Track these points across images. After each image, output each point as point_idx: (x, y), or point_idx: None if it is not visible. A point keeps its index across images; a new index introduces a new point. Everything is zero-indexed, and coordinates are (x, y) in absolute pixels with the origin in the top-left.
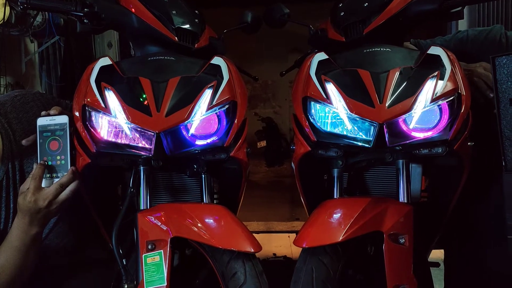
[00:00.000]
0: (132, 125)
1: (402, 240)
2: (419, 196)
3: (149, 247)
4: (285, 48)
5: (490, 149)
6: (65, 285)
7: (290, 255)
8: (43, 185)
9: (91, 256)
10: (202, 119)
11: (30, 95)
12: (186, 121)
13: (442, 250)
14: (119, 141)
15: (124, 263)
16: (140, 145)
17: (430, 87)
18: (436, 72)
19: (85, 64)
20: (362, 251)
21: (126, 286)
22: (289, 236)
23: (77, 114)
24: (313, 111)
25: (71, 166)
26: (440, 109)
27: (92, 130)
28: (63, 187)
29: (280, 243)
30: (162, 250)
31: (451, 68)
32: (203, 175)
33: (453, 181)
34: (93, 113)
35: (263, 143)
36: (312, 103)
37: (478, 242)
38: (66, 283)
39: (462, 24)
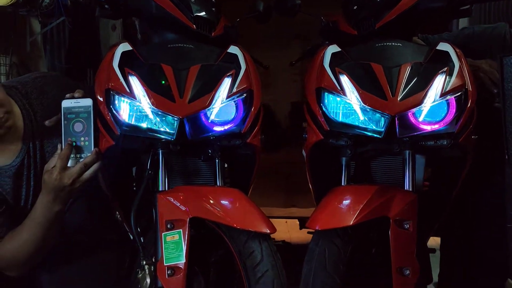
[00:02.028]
0: (156, 110)
1: (406, 226)
2: (422, 186)
3: (168, 226)
4: (287, 35)
5: (492, 142)
6: (81, 262)
7: (289, 240)
8: (68, 164)
9: (104, 235)
10: (221, 106)
11: (50, 77)
12: (207, 108)
13: (439, 238)
14: (142, 125)
15: (142, 241)
16: (162, 129)
17: (440, 82)
18: (445, 68)
19: (91, 47)
20: (368, 235)
21: (144, 263)
22: (286, 222)
23: (100, 97)
24: (326, 101)
25: (94, 147)
26: (448, 104)
27: (116, 113)
28: (87, 166)
29: (278, 229)
30: (181, 229)
31: (459, 64)
32: (216, 160)
33: (455, 172)
34: (117, 97)
35: None
36: (326, 93)
37: (474, 231)
38: (81, 260)
39: (463, 21)
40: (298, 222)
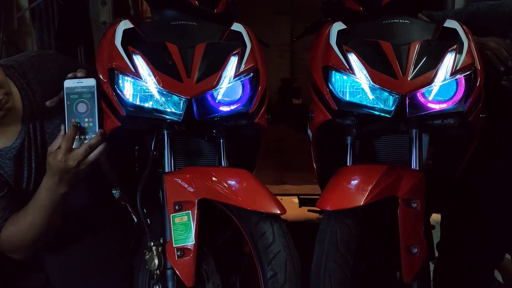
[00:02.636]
0: (163, 90)
1: (414, 205)
2: (425, 164)
3: (176, 207)
4: (271, 11)
5: (498, 120)
6: (84, 244)
7: (285, 217)
8: (73, 146)
9: (106, 215)
10: (228, 86)
11: (47, 56)
12: (214, 88)
13: (438, 215)
14: (147, 105)
15: (149, 222)
16: (168, 110)
17: (450, 61)
18: (455, 46)
19: (81, 23)
20: (374, 215)
21: (152, 244)
22: (281, 199)
23: (103, 77)
24: (333, 80)
25: (99, 128)
26: (457, 82)
27: (121, 94)
28: (92, 148)
29: None
30: (190, 211)
31: (468, 42)
32: (221, 140)
33: (461, 150)
34: (121, 77)
35: None
36: (333, 72)
37: (476, 207)
38: (84, 241)
39: (460, 1)
40: (293, 200)
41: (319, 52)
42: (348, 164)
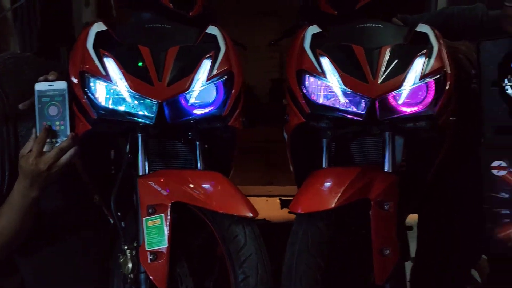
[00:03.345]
0: (134, 93)
1: (387, 207)
2: (399, 166)
3: (150, 211)
4: (259, 11)
5: (469, 123)
6: (58, 246)
7: (269, 218)
8: (44, 149)
9: (81, 218)
10: (201, 89)
11: (23, 59)
12: (186, 91)
13: (415, 215)
14: (119, 108)
15: (123, 225)
16: (140, 113)
17: (419, 65)
18: (425, 50)
19: (64, 24)
20: (348, 217)
21: (126, 247)
22: (267, 200)
23: (74, 80)
24: (307, 83)
25: (70, 131)
26: (427, 86)
27: (92, 97)
28: (63, 151)
29: (258, 207)
30: (163, 214)
31: (438, 46)
32: (197, 142)
33: (434, 152)
34: (92, 80)
35: None
36: (307, 76)
37: (450, 209)
38: (58, 244)
39: (442, 2)
40: (278, 201)
41: (294, 56)
42: (323, 167)
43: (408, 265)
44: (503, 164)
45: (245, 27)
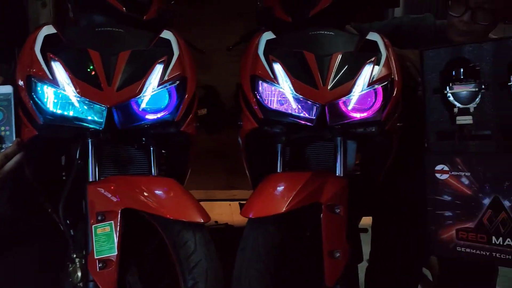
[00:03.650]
0: (82, 98)
1: (337, 210)
2: (353, 170)
3: (99, 218)
4: (228, 13)
5: (415, 129)
6: (6, 254)
7: (232, 222)
8: None
9: (33, 226)
10: (153, 94)
11: None
12: (137, 96)
13: (370, 218)
14: (67, 113)
15: (72, 233)
16: (89, 118)
17: (367, 72)
18: (373, 58)
19: (19, 25)
20: (301, 221)
21: (75, 255)
22: (230, 204)
23: (21, 84)
24: (260, 89)
25: (16, 137)
26: (375, 92)
27: (38, 101)
28: (8, 157)
29: (221, 211)
30: (112, 221)
31: (387, 54)
32: (151, 148)
33: (382, 157)
34: (39, 85)
35: (203, 111)
36: (260, 81)
37: (402, 211)
38: (8, 253)
39: (398, 11)
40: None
41: (248, 61)
42: (278, 171)
43: (364, 266)
44: (446, 168)
45: (211, 30)
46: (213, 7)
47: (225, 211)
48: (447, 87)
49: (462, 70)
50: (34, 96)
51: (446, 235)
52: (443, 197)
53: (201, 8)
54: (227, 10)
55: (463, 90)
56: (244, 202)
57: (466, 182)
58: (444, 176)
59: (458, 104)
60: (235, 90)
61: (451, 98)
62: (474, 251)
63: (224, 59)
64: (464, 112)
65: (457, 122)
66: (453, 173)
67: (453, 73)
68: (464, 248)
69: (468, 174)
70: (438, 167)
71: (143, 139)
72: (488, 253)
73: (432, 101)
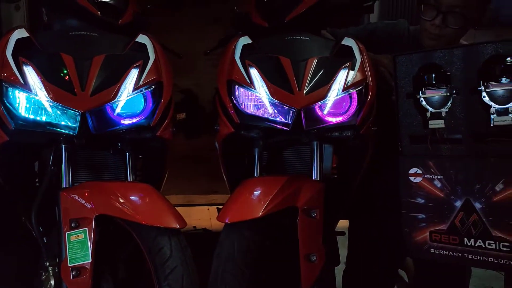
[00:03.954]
0: (55, 103)
1: (314, 214)
2: (330, 173)
3: (73, 225)
4: (204, 19)
5: (389, 133)
6: None
7: (210, 227)
8: None
9: (6, 233)
10: (128, 99)
11: None
12: (112, 101)
13: (347, 221)
14: (39, 118)
15: (45, 241)
16: (62, 123)
17: (343, 77)
18: (348, 63)
19: None
20: (279, 224)
21: (48, 263)
22: (208, 209)
23: None
24: (237, 94)
25: None
26: (351, 97)
27: (10, 106)
28: None
29: (199, 216)
30: (86, 228)
31: (361, 59)
32: (127, 153)
33: (358, 160)
34: (10, 89)
35: (182, 115)
36: (236, 86)
37: (377, 214)
38: None
39: (373, 17)
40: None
41: (225, 66)
42: (255, 175)
43: (341, 269)
44: (419, 171)
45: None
46: (190, 12)
47: (204, 216)
48: (420, 92)
49: (434, 75)
50: (5, 101)
51: (420, 237)
52: (416, 199)
53: (179, 13)
54: (205, 16)
55: (435, 94)
56: (221, 206)
57: (439, 185)
58: (418, 179)
59: (430, 109)
60: (213, 94)
61: (424, 103)
62: (447, 252)
63: (204, 64)
64: (436, 116)
65: (430, 126)
66: (426, 176)
67: (425, 78)
68: (438, 249)
69: (440, 177)
70: (412, 170)
71: (119, 144)
72: (460, 254)
73: (405, 106)
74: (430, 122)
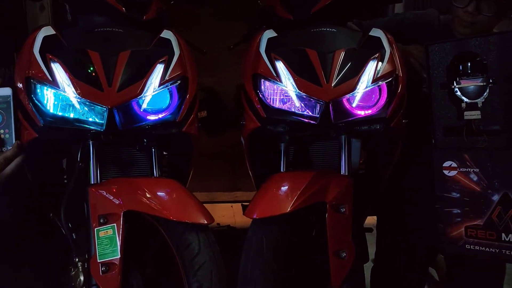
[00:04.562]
0: (83, 99)
1: (342, 209)
2: (357, 168)
3: (101, 221)
4: (226, 16)
5: (420, 125)
6: (8, 259)
7: (234, 224)
8: None
9: (34, 229)
10: (154, 94)
11: None
12: (138, 97)
13: (375, 217)
14: (67, 115)
15: (74, 237)
16: (90, 119)
17: (372, 68)
18: (377, 54)
19: (17, 29)
20: (306, 220)
21: (77, 259)
22: (232, 206)
23: (20, 86)
24: (263, 88)
25: (16, 140)
26: (380, 89)
27: (38, 103)
28: (7, 161)
29: (223, 213)
30: (115, 224)
31: (390, 50)
32: (153, 149)
33: (388, 154)
34: (38, 86)
35: (203, 113)
36: (262, 80)
37: (407, 210)
38: (8, 257)
39: (399, 7)
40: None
41: (250, 60)
42: (282, 171)
43: (369, 266)
44: (454, 165)
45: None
46: (212, 9)
47: (227, 213)
48: (454, 82)
49: (469, 64)
50: (34, 98)
51: (454, 233)
52: (451, 194)
53: (202, 9)
54: (227, 12)
55: (471, 84)
56: (246, 203)
57: (475, 178)
58: (452, 173)
59: (465, 99)
60: (235, 91)
61: (459, 93)
62: (483, 248)
63: (225, 61)
64: (472, 107)
65: (465, 117)
66: (461, 169)
67: (460, 68)
68: (473, 245)
69: (476, 170)
70: (446, 164)
71: (145, 140)
72: (497, 250)
73: (439, 97)
74: (466, 113)
